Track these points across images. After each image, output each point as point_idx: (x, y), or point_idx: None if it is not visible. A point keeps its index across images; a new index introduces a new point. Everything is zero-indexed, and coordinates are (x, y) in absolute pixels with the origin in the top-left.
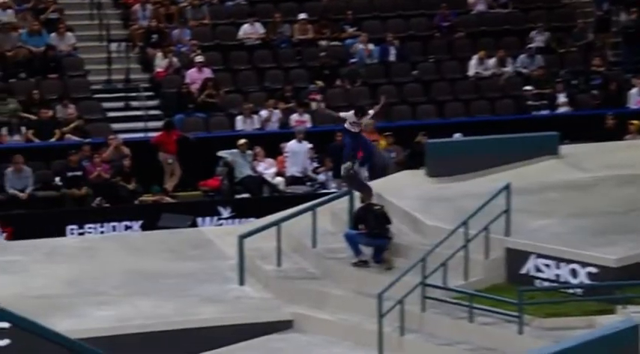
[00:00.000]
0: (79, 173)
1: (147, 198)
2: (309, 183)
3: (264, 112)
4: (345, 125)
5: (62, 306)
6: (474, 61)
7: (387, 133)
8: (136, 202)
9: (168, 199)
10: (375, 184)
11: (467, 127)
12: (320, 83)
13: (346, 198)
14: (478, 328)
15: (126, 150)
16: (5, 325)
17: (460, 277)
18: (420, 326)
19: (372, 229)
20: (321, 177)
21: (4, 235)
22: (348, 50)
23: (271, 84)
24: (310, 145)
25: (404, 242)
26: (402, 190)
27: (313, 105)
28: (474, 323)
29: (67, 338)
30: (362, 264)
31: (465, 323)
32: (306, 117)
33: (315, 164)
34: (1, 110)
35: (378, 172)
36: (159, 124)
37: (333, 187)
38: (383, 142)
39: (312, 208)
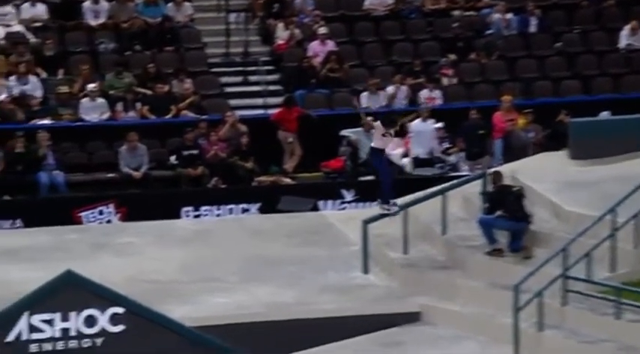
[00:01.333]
0: (194, 152)
1: (265, 179)
2: (438, 165)
3: (390, 88)
4: (373, 144)
5: (176, 292)
6: (625, 31)
7: (526, 111)
8: (254, 183)
9: (287, 181)
10: (512, 166)
11: (615, 105)
12: (452, 57)
13: (479, 181)
14: (626, 325)
15: (242, 127)
16: (120, 310)
17: (606, 269)
18: (560, 322)
19: (513, 212)
20: (452, 158)
21: (118, 215)
22: (484, 20)
23: (399, 58)
24: (438, 125)
25: (543, 230)
26: (541, 173)
27: (444, 81)
28: (622, 320)
29: (183, 326)
30: (497, 253)
31: (611, 320)
32: (437, 93)
33: (446, 145)
34: (117, 85)
35: (515, 152)
36: (279, 100)
37: (465, 169)
38: (521, 121)
39: (442, 192)
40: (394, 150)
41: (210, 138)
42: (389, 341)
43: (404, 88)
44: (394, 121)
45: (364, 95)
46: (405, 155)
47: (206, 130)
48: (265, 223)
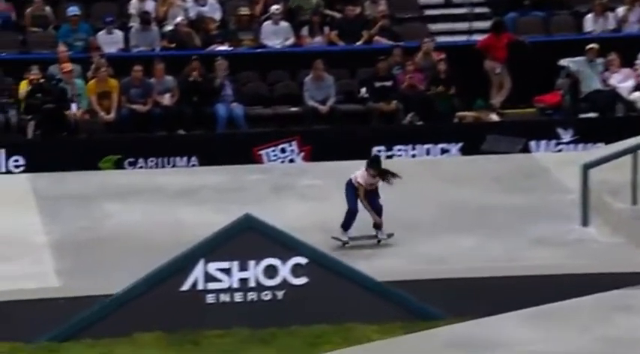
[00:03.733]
0: (388, 83)
1: (468, 115)
2: None
3: (621, 10)
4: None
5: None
6: None
7: None
8: (455, 120)
9: (494, 118)
10: None
11: None
12: None
13: None
14: None
15: (438, 56)
16: (303, 260)
17: None
18: None
19: None
20: None
21: (302, 154)
22: None
23: None
24: None
25: None
26: None
27: None
28: None
29: (372, 279)
30: None
31: None
32: None
33: None
34: (303, 5)
35: None
36: (486, 24)
37: None
38: None
39: None
40: (622, 83)
41: (406, 68)
42: (613, 305)
43: (639, 10)
44: (378, 163)
45: (588, 18)
46: (637, 88)
47: (401, 59)
48: (467, 165)
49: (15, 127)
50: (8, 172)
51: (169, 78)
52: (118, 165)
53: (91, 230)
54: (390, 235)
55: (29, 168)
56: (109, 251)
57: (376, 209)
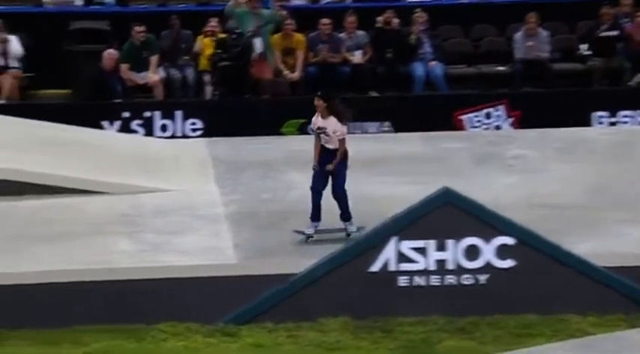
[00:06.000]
0: (614, 33)
1: None
2: None
3: None
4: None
5: (582, 220)
6: None
7: None
8: None
9: None
10: None
11: None
12: None
13: None
14: None
15: None
16: (510, 241)
17: None
18: None
19: None
20: None
21: (510, 120)
22: None
23: None
24: None
25: None
26: None
27: None
28: None
29: (590, 264)
30: None
31: None
32: None
33: None
34: None
35: None
36: None
37: None
38: None
39: None
40: None
41: (635, 19)
42: None
43: None
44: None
45: None
46: None
47: (631, 9)
48: None
49: (193, 86)
50: (185, 135)
51: (361, 33)
52: (303, 130)
53: (272, 202)
54: (360, 228)
55: (207, 132)
56: (292, 225)
57: (335, 195)
